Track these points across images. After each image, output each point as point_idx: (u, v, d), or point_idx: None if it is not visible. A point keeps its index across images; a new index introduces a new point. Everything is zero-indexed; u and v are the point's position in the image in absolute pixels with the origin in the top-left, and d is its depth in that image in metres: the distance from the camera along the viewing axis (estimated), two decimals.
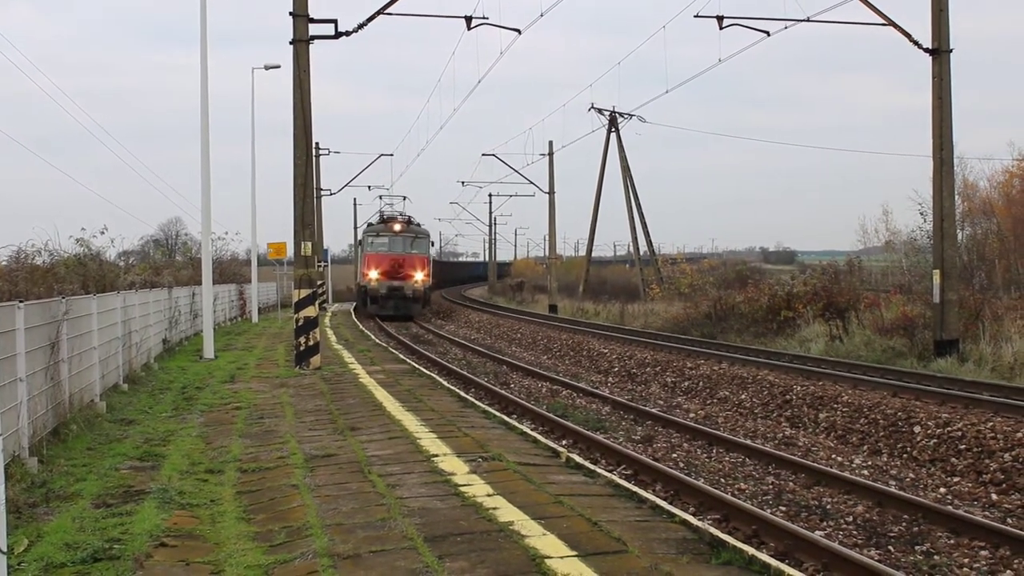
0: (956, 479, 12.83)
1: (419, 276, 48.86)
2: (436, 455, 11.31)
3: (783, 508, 10.89)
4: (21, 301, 11.55)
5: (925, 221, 37.21)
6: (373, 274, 48.63)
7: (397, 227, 49.91)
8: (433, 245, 54.35)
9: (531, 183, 57.00)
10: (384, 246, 49.52)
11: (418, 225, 52.55)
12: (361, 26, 22.42)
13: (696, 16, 24.62)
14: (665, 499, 9.99)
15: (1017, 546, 9.09)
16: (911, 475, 13.19)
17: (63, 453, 11.79)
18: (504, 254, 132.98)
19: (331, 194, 66.55)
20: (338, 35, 22.01)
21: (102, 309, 16.55)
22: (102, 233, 33.38)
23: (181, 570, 7.36)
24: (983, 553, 9.16)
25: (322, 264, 58.21)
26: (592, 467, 10.90)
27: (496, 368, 26.03)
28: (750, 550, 7.53)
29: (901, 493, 11.30)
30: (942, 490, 12.29)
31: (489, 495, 9.27)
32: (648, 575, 6.94)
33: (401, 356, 25.99)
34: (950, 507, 10.94)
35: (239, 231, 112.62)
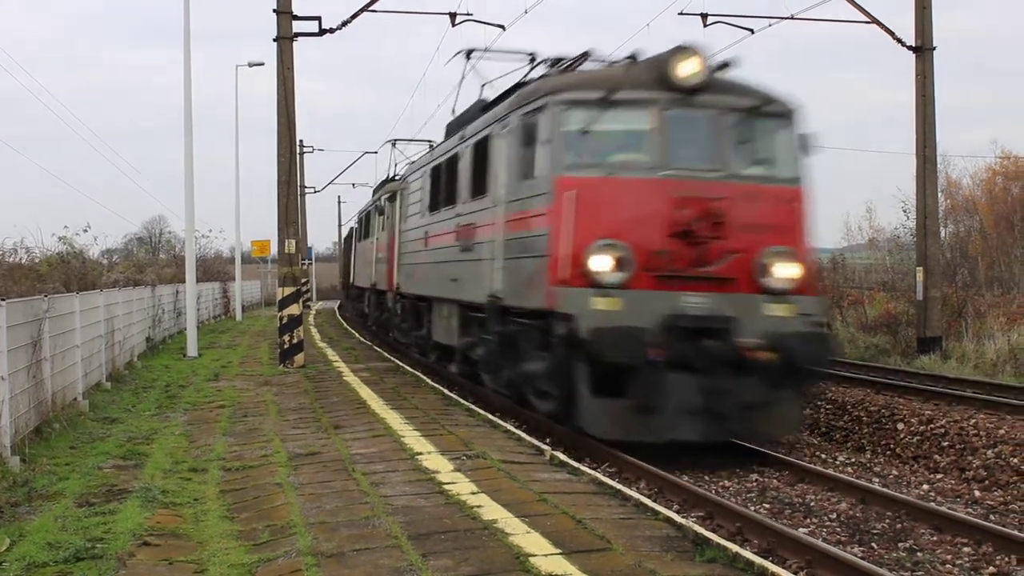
0: (939, 476, 12.88)
1: (792, 273, 12.71)
2: (420, 453, 11.30)
3: (767, 505, 10.91)
4: (2, 299, 11.49)
5: (908, 219, 37.25)
6: (600, 264, 12.29)
7: (691, 69, 12.78)
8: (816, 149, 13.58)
9: None
10: (652, 156, 12.74)
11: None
12: (345, 23, 22.38)
13: (680, 13, 24.61)
14: (649, 497, 10.00)
15: (999, 542, 9.13)
16: (894, 472, 13.23)
17: (46, 452, 11.74)
18: None
19: (315, 192, 66.61)
20: (322, 32, 21.97)
21: (85, 307, 16.49)
22: (85, 231, 33.39)
23: (164, 569, 7.33)
24: (966, 549, 9.19)
25: (306, 262, 58.06)
26: (576, 465, 10.90)
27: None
28: (734, 547, 7.54)
29: (884, 490, 11.33)
30: (925, 487, 12.34)
31: (473, 493, 9.26)
32: (632, 573, 6.94)
33: (386, 354, 25.93)
34: (933, 504, 10.98)
35: (223, 229, 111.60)
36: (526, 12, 21.81)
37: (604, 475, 10.68)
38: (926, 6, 23.20)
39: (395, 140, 33.97)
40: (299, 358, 21.71)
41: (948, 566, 8.80)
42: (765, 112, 13.19)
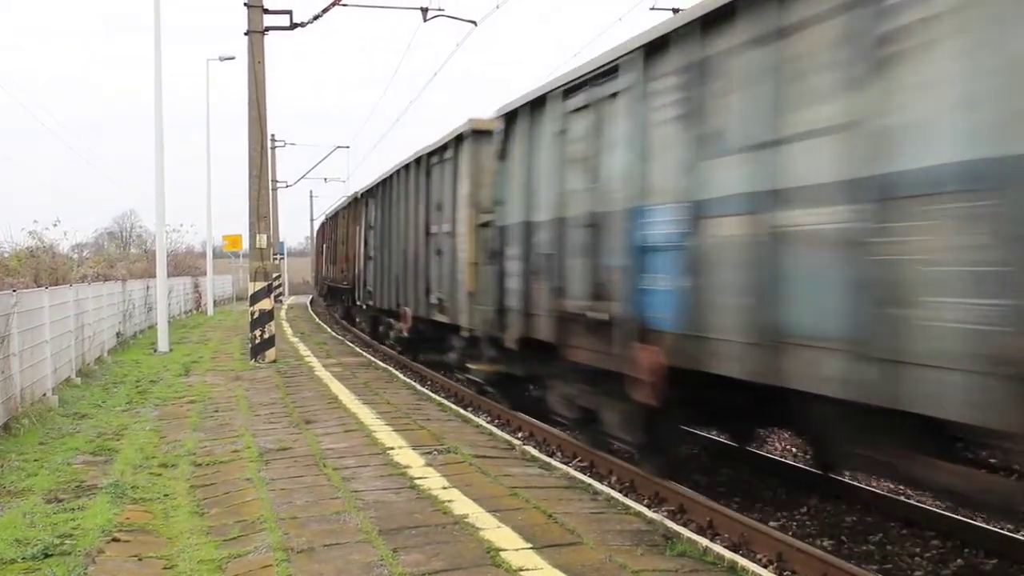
0: None
1: None
2: (391, 448, 11.30)
3: (737, 500, 10.95)
4: None
5: None
6: None
7: None
8: None
9: None
10: None
11: None
12: (316, 17, 22.38)
13: (652, 9, 24.63)
14: (620, 491, 10.02)
15: (966, 535, 9.19)
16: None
17: (14, 448, 11.66)
18: None
19: (287, 186, 66.30)
20: (293, 26, 21.95)
21: (54, 302, 16.40)
22: (55, 225, 33.17)
23: (134, 565, 7.30)
24: (934, 542, 9.26)
25: (278, 256, 57.90)
26: (548, 459, 10.93)
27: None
28: (704, 541, 7.59)
29: (854, 483, 11.39)
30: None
31: (444, 488, 9.27)
32: (603, 567, 6.96)
33: (357, 349, 25.90)
34: (903, 498, 11.05)
35: (194, 223, 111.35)
36: (497, 7, 21.77)
37: (575, 470, 10.71)
38: None
39: None
40: (271, 353, 21.66)
41: (917, 559, 8.87)
42: None
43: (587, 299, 10.78)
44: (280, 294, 57.51)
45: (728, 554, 7.32)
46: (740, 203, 7.98)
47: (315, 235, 61.81)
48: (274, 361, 21.54)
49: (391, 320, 22.73)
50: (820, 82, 7.10)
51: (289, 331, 32.27)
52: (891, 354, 6.28)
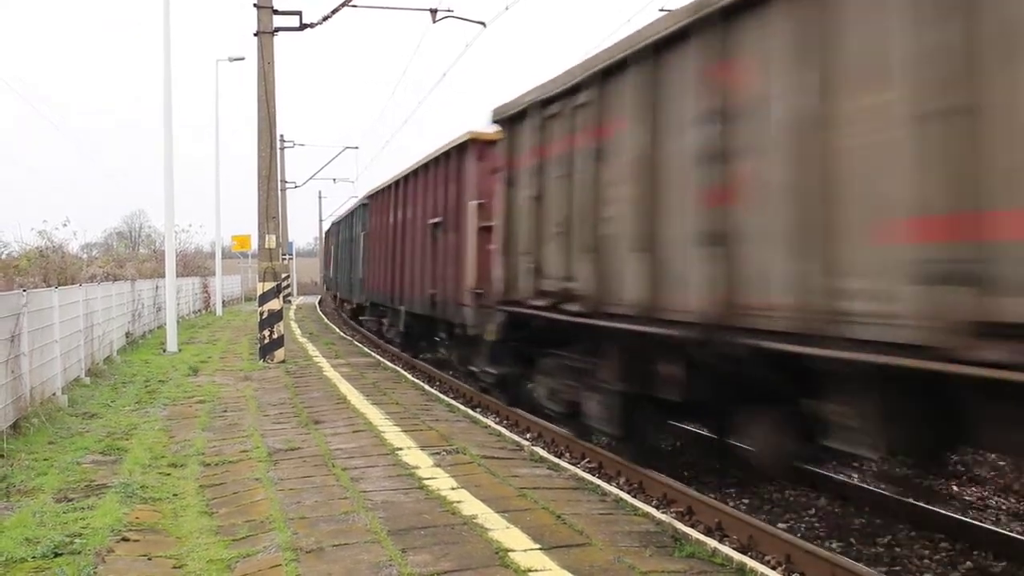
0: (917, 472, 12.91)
1: None
2: (400, 448, 11.31)
3: (746, 501, 10.94)
4: None
5: None
6: None
7: None
8: None
9: None
10: None
11: None
12: (326, 18, 22.43)
13: (661, 10, 24.61)
14: (629, 492, 10.02)
15: (976, 538, 9.17)
16: (874, 468, 13.27)
17: (24, 447, 11.69)
18: None
19: (296, 187, 66.36)
20: (303, 27, 21.97)
21: (64, 302, 16.43)
22: (64, 225, 33.27)
23: (143, 564, 7.31)
24: (943, 544, 9.24)
25: (287, 257, 57.98)
26: (556, 460, 10.93)
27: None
28: (712, 543, 7.58)
29: (863, 486, 11.38)
30: None
31: (453, 488, 9.27)
32: (611, 568, 6.96)
33: (366, 349, 25.92)
34: (911, 500, 11.03)
35: (203, 223, 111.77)
36: (507, 9, 21.78)
37: (584, 471, 10.71)
38: None
39: None
40: (279, 353, 21.69)
41: (926, 561, 8.85)
42: None
43: None
44: (289, 294, 57.59)
45: (737, 556, 7.32)
46: None
47: (324, 235, 61.66)
48: (283, 361, 21.57)
49: None
50: None
51: (298, 331, 32.31)
52: None
